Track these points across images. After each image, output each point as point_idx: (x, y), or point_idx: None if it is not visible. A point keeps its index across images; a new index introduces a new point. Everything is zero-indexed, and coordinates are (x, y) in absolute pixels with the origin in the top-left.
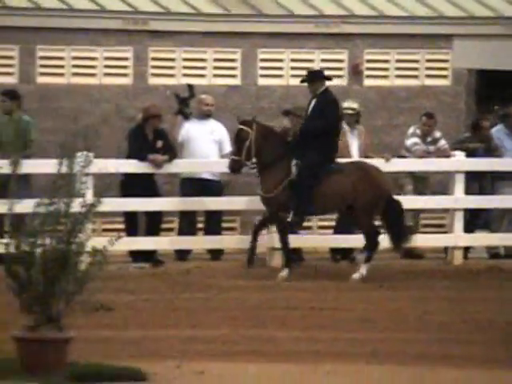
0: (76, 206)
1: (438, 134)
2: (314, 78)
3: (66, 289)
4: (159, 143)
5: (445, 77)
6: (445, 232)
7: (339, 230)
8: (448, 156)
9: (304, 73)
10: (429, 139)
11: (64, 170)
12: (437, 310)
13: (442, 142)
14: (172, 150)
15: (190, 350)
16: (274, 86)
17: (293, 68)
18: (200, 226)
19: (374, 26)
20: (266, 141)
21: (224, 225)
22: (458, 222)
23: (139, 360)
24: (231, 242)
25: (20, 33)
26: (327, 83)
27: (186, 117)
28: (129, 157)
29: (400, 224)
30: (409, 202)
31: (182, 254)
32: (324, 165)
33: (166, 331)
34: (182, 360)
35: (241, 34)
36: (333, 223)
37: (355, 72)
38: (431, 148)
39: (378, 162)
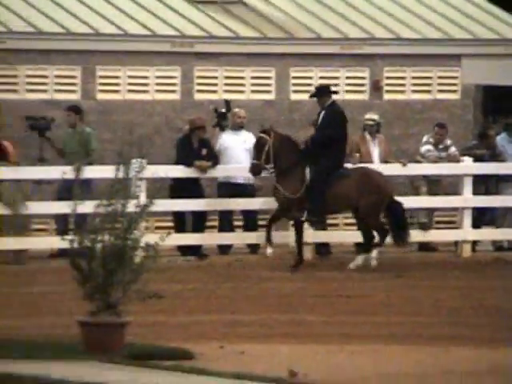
0: (131, 206)
1: (448, 142)
2: (322, 92)
3: (122, 279)
4: (204, 151)
5: (454, 92)
6: (455, 228)
7: None
8: (458, 161)
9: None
10: (441, 146)
11: (121, 175)
12: (448, 297)
13: (453, 149)
14: (215, 158)
15: (231, 332)
16: (304, 100)
17: None
18: (239, 223)
19: (392, 47)
20: (282, 147)
21: (260, 223)
22: (467, 219)
23: (187, 341)
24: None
25: (82, 55)
26: (334, 97)
27: (223, 128)
28: (177, 163)
29: (401, 222)
30: (424, 201)
31: (224, 249)
32: (334, 170)
33: (209, 316)
34: (224, 341)
35: (275, 55)
36: None
37: (376, 88)
38: (443, 154)
39: (396, 167)
